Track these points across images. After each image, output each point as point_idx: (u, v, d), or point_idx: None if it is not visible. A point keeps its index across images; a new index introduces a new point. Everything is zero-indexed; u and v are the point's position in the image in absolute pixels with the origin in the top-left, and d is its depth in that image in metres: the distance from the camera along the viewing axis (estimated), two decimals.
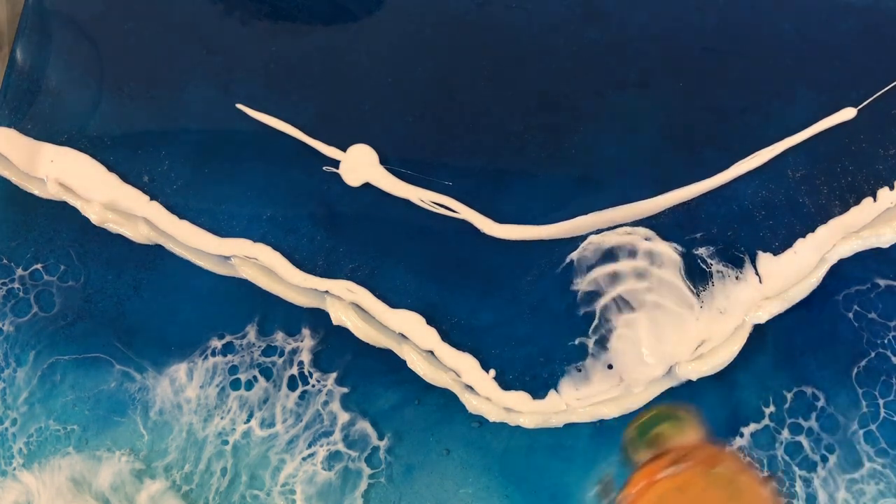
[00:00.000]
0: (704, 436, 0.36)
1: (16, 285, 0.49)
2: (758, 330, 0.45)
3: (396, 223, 0.49)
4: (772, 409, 0.44)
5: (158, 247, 0.49)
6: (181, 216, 0.49)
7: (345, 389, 0.47)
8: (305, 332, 0.47)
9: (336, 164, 0.50)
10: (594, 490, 0.41)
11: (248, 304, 0.48)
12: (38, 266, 0.50)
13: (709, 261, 0.46)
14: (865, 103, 0.48)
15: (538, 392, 0.46)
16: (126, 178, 0.50)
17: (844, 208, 0.46)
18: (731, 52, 0.49)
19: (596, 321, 0.46)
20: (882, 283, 0.46)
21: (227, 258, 0.48)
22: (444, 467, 0.45)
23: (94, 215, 0.49)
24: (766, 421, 0.44)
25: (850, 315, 0.45)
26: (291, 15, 0.52)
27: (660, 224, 0.47)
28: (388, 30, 0.52)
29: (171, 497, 0.46)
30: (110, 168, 0.51)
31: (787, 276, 0.45)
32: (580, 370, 0.46)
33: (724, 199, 0.47)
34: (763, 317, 0.45)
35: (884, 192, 0.47)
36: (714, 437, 0.36)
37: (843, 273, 0.46)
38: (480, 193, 0.48)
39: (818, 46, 0.49)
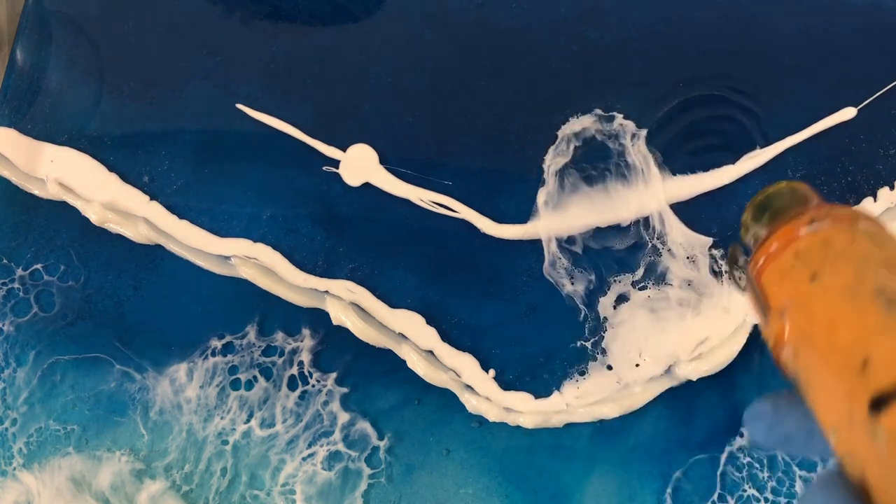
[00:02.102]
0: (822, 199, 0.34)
1: (16, 285, 0.49)
2: (758, 330, 0.45)
3: (396, 223, 0.49)
4: None
5: (158, 247, 0.49)
6: (181, 216, 0.49)
7: (345, 389, 0.47)
8: (305, 332, 0.47)
9: (336, 163, 0.50)
10: (723, 265, 0.38)
11: (248, 304, 0.48)
12: (38, 266, 0.50)
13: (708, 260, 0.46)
14: (866, 103, 0.48)
15: (538, 392, 0.46)
16: (126, 178, 0.50)
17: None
18: (731, 52, 0.49)
19: (596, 321, 0.46)
20: None
21: (227, 258, 0.48)
22: (444, 467, 0.45)
23: (94, 215, 0.49)
24: None
25: None
26: (291, 15, 0.52)
27: None
28: (388, 30, 0.52)
29: (171, 497, 0.46)
30: (110, 168, 0.51)
31: None
32: (580, 370, 0.46)
33: (724, 199, 0.47)
34: None
35: (884, 192, 0.47)
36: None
37: None
38: (480, 193, 0.48)
39: (818, 45, 0.49)
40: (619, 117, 0.48)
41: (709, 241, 0.46)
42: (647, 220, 0.47)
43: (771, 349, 0.29)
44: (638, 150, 0.47)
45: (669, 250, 0.47)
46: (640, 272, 0.46)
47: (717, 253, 0.46)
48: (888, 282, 0.26)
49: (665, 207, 0.47)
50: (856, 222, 0.29)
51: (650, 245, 0.47)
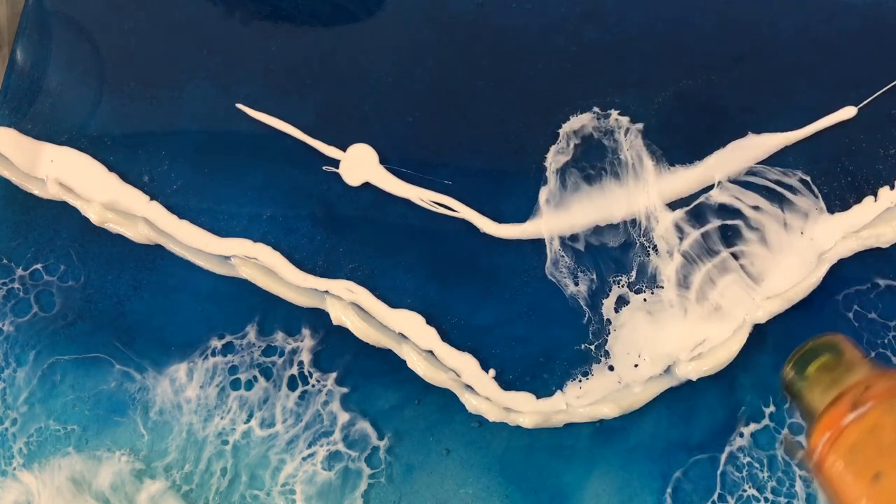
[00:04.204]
0: (863, 356, 0.34)
1: (16, 285, 0.49)
2: (758, 330, 0.45)
3: (396, 223, 0.49)
4: (772, 409, 0.44)
5: (158, 247, 0.49)
6: (181, 216, 0.49)
7: (345, 389, 0.47)
8: (305, 332, 0.47)
9: (336, 163, 0.50)
10: (780, 450, 0.39)
11: (248, 304, 0.48)
12: (38, 266, 0.50)
13: (710, 259, 0.46)
14: (866, 102, 0.48)
15: (538, 392, 0.46)
16: (126, 178, 0.50)
17: (844, 208, 0.46)
18: (731, 53, 0.49)
19: (599, 324, 0.46)
20: (882, 283, 0.46)
21: (227, 258, 0.48)
22: (444, 467, 0.45)
23: (94, 215, 0.49)
24: (766, 421, 0.44)
25: (850, 315, 0.45)
26: (291, 15, 0.52)
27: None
28: (388, 30, 0.52)
29: (171, 497, 0.46)
30: (110, 168, 0.51)
31: (787, 275, 0.45)
32: (580, 370, 0.46)
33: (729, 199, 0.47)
34: (763, 317, 0.45)
35: (884, 192, 0.46)
36: (876, 361, 0.34)
37: (843, 273, 0.46)
38: (480, 193, 0.48)
39: (818, 45, 0.49)
40: (615, 113, 0.48)
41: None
42: (634, 217, 0.47)
43: None
44: (631, 146, 0.47)
45: (655, 247, 0.47)
46: (633, 273, 0.46)
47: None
48: None
49: (655, 202, 0.47)
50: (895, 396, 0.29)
51: (637, 243, 0.47)
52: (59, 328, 0.49)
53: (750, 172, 0.47)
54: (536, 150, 0.49)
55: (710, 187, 0.47)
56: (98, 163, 0.51)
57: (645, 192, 0.47)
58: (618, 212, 0.47)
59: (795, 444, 0.34)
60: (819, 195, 0.47)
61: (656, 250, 0.46)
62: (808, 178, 0.47)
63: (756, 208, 0.46)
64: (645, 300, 0.46)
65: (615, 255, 0.47)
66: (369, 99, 0.50)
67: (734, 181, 0.47)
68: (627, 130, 0.48)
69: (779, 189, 0.47)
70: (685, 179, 0.47)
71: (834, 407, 0.31)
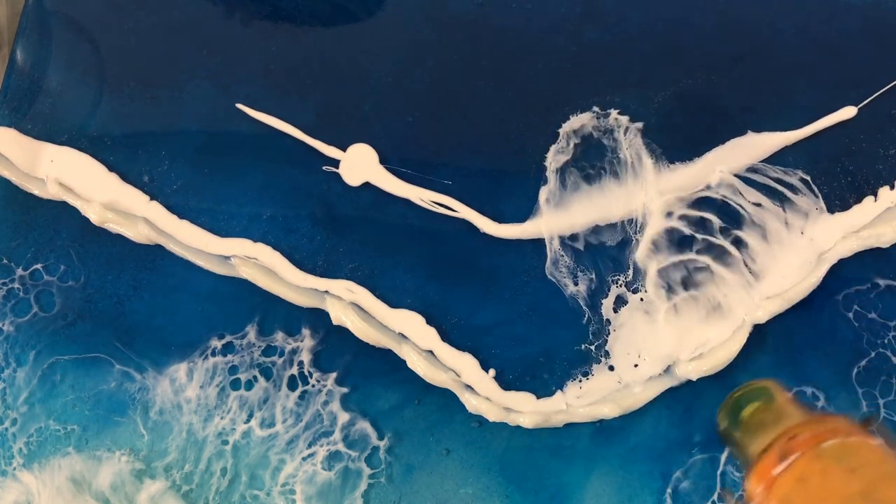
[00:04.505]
0: (792, 401, 0.35)
1: (16, 285, 0.49)
2: (758, 330, 0.45)
3: (396, 223, 0.49)
4: None
5: (158, 247, 0.49)
6: (181, 216, 0.49)
7: (345, 389, 0.47)
8: (305, 332, 0.47)
9: (336, 163, 0.50)
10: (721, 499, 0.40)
11: (248, 304, 0.48)
12: (38, 266, 0.50)
13: (709, 259, 0.46)
14: (866, 102, 0.48)
15: (538, 392, 0.46)
16: (126, 178, 0.50)
17: (844, 208, 0.46)
18: (731, 53, 0.49)
19: (599, 324, 0.46)
20: (882, 283, 0.46)
21: (227, 258, 0.48)
22: (444, 467, 0.45)
23: (94, 215, 0.49)
24: None
25: (850, 315, 0.45)
26: (291, 15, 0.52)
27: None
28: (388, 30, 0.52)
29: (171, 497, 0.46)
30: (110, 168, 0.51)
31: (787, 275, 0.45)
32: (580, 370, 0.46)
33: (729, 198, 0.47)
34: (763, 317, 0.45)
35: (884, 192, 0.46)
36: (804, 407, 0.35)
37: (843, 273, 0.46)
38: (480, 193, 0.48)
39: (818, 45, 0.49)
40: (614, 113, 0.48)
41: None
42: (632, 216, 0.47)
43: None
44: (631, 145, 0.47)
45: (654, 245, 0.46)
46: (630, 272, 0.46)
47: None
48: None
49: (653, 199, 0.47)
50: (819, 444, 0.30)
51: (634, 241, 0.47)
52: (59, 328, 0.49)
53: (751, 170, 0.47)
54: (536, 150, 0.49)
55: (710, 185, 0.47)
56: (98, 163, 0.51)
57: (643, 189, 0.47)
58: (616, 211, 0.47)
59: (730, 494, 0.34)
60: (819, 195, 0.47)
61: (655, 248, 0.46)
62: (808, 178, 0.47)
63: (757, 205, 0.46)
64: (642, 300, 0.46)
65: (613, 253, 0.47)
66: (369, 99, 0.50)
67: (735, 176, 0.47)
68: (627, 129, 0.48)
69: (779, 188, 0.47)
70: (684, 176, 0.47)
71: (764, 457, 0.32)
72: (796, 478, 0.31)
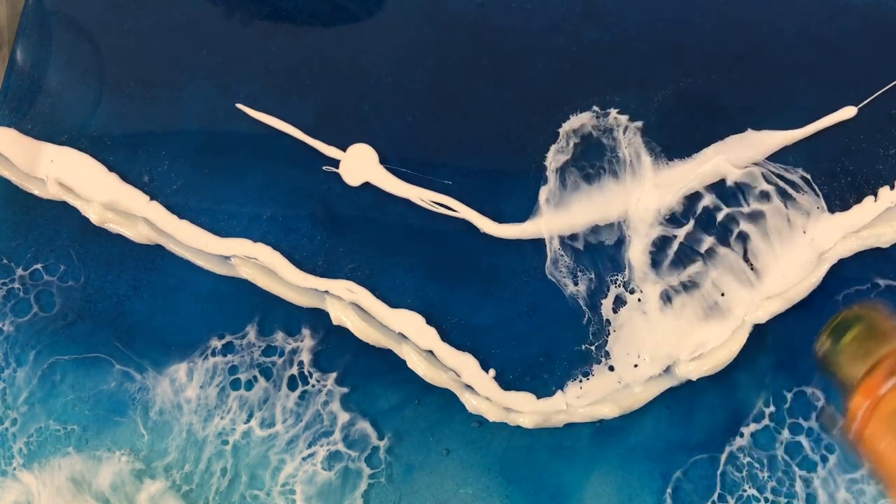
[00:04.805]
0: (893, 323, 0.35)
1: (16, 285, 0.49)
2: (758, 330, 0.45)
3: (396, 223, 0.49)
4: (772, 409, 0.44)
5: (158, 247, 0.49)
6: (181, 216, 0.49)
7: (345, 389, 0.47)
8: (305, 332, 0.47)
9: (336, 163, 0.50)
10: (819, 423, 0.39)
11: (248, 304, 0.48)
12: (38, 266, 0.50)
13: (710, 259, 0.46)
14: (866, 102, 0.48)
15: (538, 392, 0.46)
16: (126, 178, 0.50)
17: (845, 208, 0.46)
18: (731, 52, 0.49)
19: (599, 324, 0.46)
20: (882, 283, 0.46)
21: (227, 258, 0.48)
22: (444, 467, 0.45)
23: (94, 215, 0.49)
24: (766, 421, 0.44)
25: None
26: (291, 15, 0.52)
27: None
28: (388, 30, 0.52)
29: (171, 497, 0.46)
30: (110, 168, 0.51)
31: (788, 275, 0.45)
32: (581, 370, 0.46)
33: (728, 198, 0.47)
34: (763, 317, 0.45)
35: (884, 192, 0.46)
36: None
37: (843, 273, 0.46)
38: (480, 193, 0.48)
39: (818, 45, 0.49)
40: (614, 112, 0.48)
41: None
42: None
43: None
44: (630, 144, 0.47)
45: (654, 244, 0.47)
46: (627, 271, 0.46)
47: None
48: None
49: (650, 197, 0.47)
50: None
51: (628, 239, 0.47)
52: (59, 328, 0.49)
53: (752, 165, 0.47)
54: (536, 150, 0.49)
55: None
56: (98, 163, 0.51)
57: (641, 187, 0.47)
58: (615, 210, 0.47)
59: (834, 415, 0.34)
60: (820, 194, 0.47)
61: (654, 247, 0.46)
62: (809, 176, 0.47)
63: (760, 201, 0.46)
64: (639, 300, 0.46)
65: (611, 253, 0.47)
66: (369, 99, 0.50)
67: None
68: (626, 129, 0.48)
69: (781, 184, 0.47)
70: (681, 172, 0.47)
71: (870, 376, 0.31)
72: None
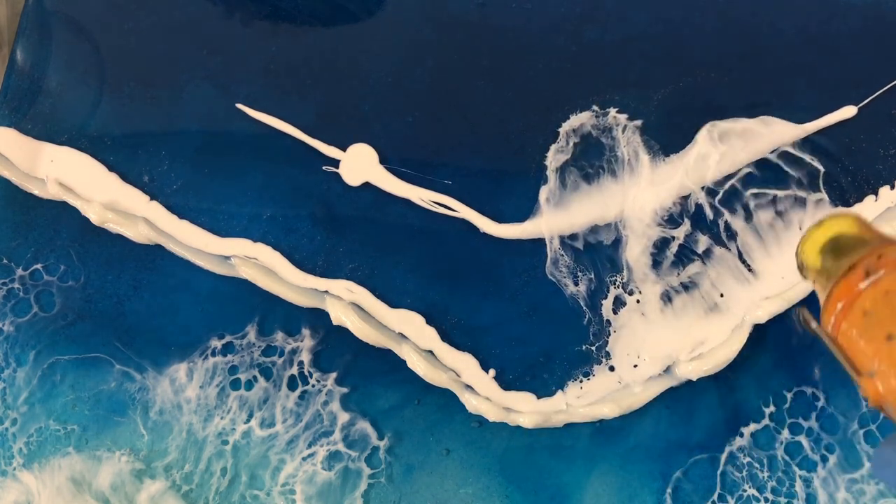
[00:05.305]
0: (874, 229, 0.34)
1: (16, 285, 0.49)
2: (758, 330, 0.45)
3: (396, 223, 0.49)
4: (772, 409, 0.44)
5: (158, 247, 0.49)
6: (181, 216, 0.49)
7: (345, 389, 0.47)
8: (305, 332, 0.47)
9: (336, 163, 0.50)
10: (796, 324, 0.39)
11: (248, 304, 0.48)
12: (38, 266, 0.50)
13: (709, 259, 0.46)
14: (866, 102, 0.48)
15: (538, 392, 0.46)
16: (126, 178, 0.50)
17: (845, 207, 0.46)
18: (731, 52, 0.49)
19: (599, 325, 0.46)
20: None
21: (227, 258, 0.48)
22: (444, 467, 0.45)
23: (94, 215, 0.49)
24: (766, 421, 0.44)
25: None
26: (291, 15, 0.52)
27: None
28: (388, 30, 0.52)
29: (171, 497, 0.46)
30: (110, 168, 0.51)
31: (787, 275, 0.45)
32: (581, 370, 0.46)
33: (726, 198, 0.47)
34: (763, 317, 0.45)
35: (885, 191, 0.46)
36: (887, 233, 0.34)
37: None
38: (480, 193, 0.48)
39: (818, 45, 0.49)
40: (613, 111, 0.48)
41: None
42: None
43: (870, 406, 0.29)
44: (629, 142, 0.47)
45: (653, 244, 0.46)
46: (626, 272, 0.46)
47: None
48: None
49: (645, 195, 0.47)
50: None
51: (625, 239, 0.47)
52: (59, 328, 0.49)
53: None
54: (536, 150, 0.49)
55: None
56: (98, 163, 0.51)
57: (637, 185, 0.47)
58: (613, 209, 0.47)
59: (810, 316, 0.34)
60: (822, 188, 0.47)
61: (655, 248, 0.46)
62: (820, 170, 0.47)
63: (756, 198, 0.46)
64: (638, 301, 0.46)
65: (610, 253, 0.47)
66: (369, 99, 0.50)
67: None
68: (625, 127, 0.48)
69: (776, 190, 0.47)
70: (674, 166, 0.47)
71: (847, 276, 0.31)
72: (881, 293, 0.30)
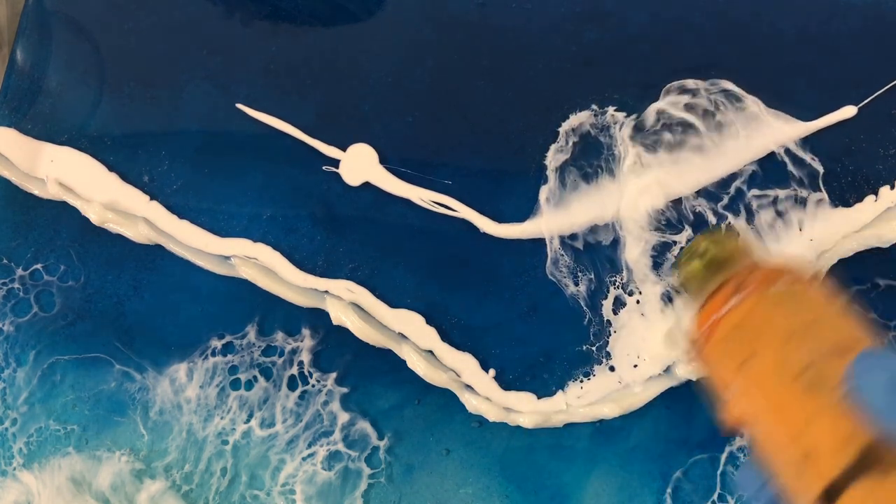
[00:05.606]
0: (747, 249, 0.35)
1: (16, 285, 0.49)
2: None
3: (396, 223, 0.49)
4: None
5: (158, 247, 0.49)
6: (181, 216, 0.49)
7: (345, 389, 0.47)
8: (305, 332, 0.47)
9: (336, 163, 0.50)
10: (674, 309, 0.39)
11: (248, 304, 0.48)
12: (38, 266, 0.50)
13: None
14: (866, 102, 0.48)
15: (538, 392, 0.46)
16: (126, 178, 0.50)
17: (845, 207, 0.46)
18: (731, 52, 0.49)
19: (600, 325, 0.46)
20: (882, 283, 0.46)
21: (227, 258, 0.48)
22: (444, 467, 0.45)
23: (94, 215, 0.49)
24: None
25: None
26: (291, 15, 0.52)
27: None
28: (388, 30, 0.52)
29: (171, 497, 0.46)
30: (110, 168, 0.51)
31: None
32: (581, 370, 0.46)
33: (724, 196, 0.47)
34: None
35: (885, 191, 0.46)
36: (758, 257, 0.35)
37: (843, 273, 0.45)
38: (480, 193, 0.48)
39: (818, 45, 0.49)
40: (611, 109, 0.48)
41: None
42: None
43: (724, 433, 0.30)
44: (623, 139, 0.47)
45: (653, 247, 0.46)
46: (625, 273, 0.46)
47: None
48: (808, 358, 0.27)
49: (633, 190, 0.47)
50: (768, 286, 0.30)
51: (622, 239, 0.47)
52: (59, 328, 0.49)
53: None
54: (536, 150, 0.49)
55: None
56: (98, 163, 0.51)
57: (633, 183, 0.47)
58: (611, 209, 0.47)
59: (678, 332, 0.35)
60: (822, 189, 0.47)
61: (655, 251, 0.46)
62: (820, 170, 0.47)
63: (756, 197, 0.46)
64: (638, 302, 0.46)
65: (608, 253, 0.47)
66: (369, 99, 0.50)
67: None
68: (622, 125, 0.48)
69: (773, 193, 0.47)
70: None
71: (713, 299, 0.32)
72: (741, 316, 0.31)
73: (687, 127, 0.48)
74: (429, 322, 0.47)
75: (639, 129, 0.48)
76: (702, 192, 0.47)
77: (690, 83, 0.48)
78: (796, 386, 0.27)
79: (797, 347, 0.28)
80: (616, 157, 0.48)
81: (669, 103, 0.48)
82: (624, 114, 0.48)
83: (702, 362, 0.32)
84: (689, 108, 0.48)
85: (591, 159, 0.48)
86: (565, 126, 0.49)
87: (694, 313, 0.34)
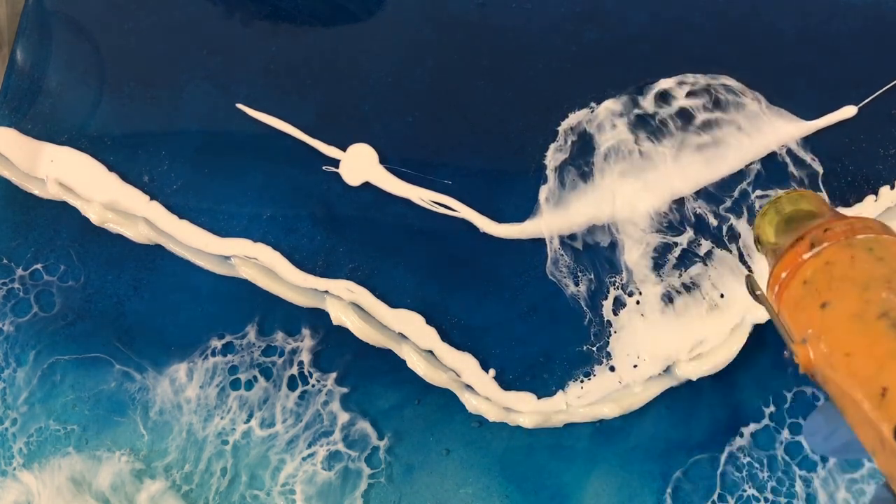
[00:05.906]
0: (827, 206, 0.37)
1: (16, 285, 0.49)
2: (758, 330, 0.45)
3: (396, 223, 0.49)
4: (772, 409, 0.44)
5: (158, 247, 0.49)
6: (181, 216, 0.49)
7: (345, 389, 0.47)
8: (305, 332, 0.47)
9: (336, 163, 0.50)
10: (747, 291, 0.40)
11: (248, 304, 0.48)
12: (38, 266, 0.50)
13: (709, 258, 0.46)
14: (866, 102, 0.48)
15: (538, 392, 0.46)
16: (126, 178, 0.50)
17: (845, 207, 0.46)
18: (731, 52, 0.49)
19: (600, 325, 0.46)
20: None
21: (227, 258, 0.48)
22: (444, 467, 0.45)
23: (94, 215, 0.49)
24: (766, 421, 0.44)
25: None
26: (291, 15, 0.52)
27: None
28: (388, 30, 0.52)
29: (171, 497, 0.46)
30: (110, 168, 0.51)
31: None
32: (581, 370, 0.46)
33: (727, 197, 0.47)
34: (763, 317, 0.45)
35: (885, 191, 0.46)
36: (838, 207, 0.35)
37: None
38: (480, 193, 0.48)
39: (818, 45, 0.49)
40: (606, 103, 0.48)
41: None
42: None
43: (801, 372, 0.30)
44: (618, 136, 0.47)
45: (652, 248, 0.46)
46: (625, 273, 0.46)
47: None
48: (892, 302, 0.27)
49: (627, 190, 0.47)
50: (853, 236, 0.31)
51: (620, 241, 0.47)
52: (59, 328, 0.49)
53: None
54: (536, 150, 0.49)
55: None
56: (98, 163, 0.51)
57: (630, 186, 0.47)
58: (607, 210, 0.47)
59: (756, 283, 0.35)
60: (822, 188, 0.47)
61: (655, 252, 0.46)
62: (820, 170, 0.47)
63: (757, 197, 0.46)
64: (638, 302, 0.46)
65: (607, 254, 0.47)
66: (369, 99, 0.50)
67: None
68: (614, 125, 0.48)
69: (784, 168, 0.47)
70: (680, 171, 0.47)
71: (793, 248, 0.33)
72: (823, 263, 0.31)
73: (686, 121, 0.48)
74: (429, 322, 0.47)
75: (639, 118, 0.48)
76: (701, 193, 0.47)
77: (690, 77, 0.48)
78: (880, 323, 0.27)
79: (880, 290, 0.28)
80: (613, 151, 0.48)
81: (668, 90, 0.48)
82: (618, 110, 0.48)
83: (780, 306, 0.32)
84: (691, 95, 0.48)
85: (589, 158, 0.48)
86: (564, 125, 0.49)
87: (774, 263, 0.34)
